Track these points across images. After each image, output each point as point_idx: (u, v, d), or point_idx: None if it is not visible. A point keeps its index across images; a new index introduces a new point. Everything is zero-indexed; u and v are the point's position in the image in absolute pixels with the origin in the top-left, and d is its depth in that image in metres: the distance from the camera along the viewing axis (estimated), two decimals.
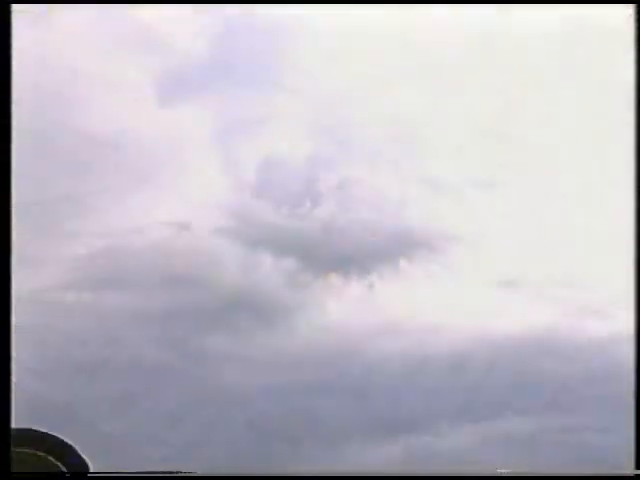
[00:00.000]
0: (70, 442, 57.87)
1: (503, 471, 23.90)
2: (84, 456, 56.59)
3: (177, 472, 33.81)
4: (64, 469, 50.88)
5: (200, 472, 31.52)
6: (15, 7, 15.69)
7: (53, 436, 56.14)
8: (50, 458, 52.51)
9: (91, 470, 52.17)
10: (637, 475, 19.19)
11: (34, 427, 57.31)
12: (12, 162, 14.29)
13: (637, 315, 19.42)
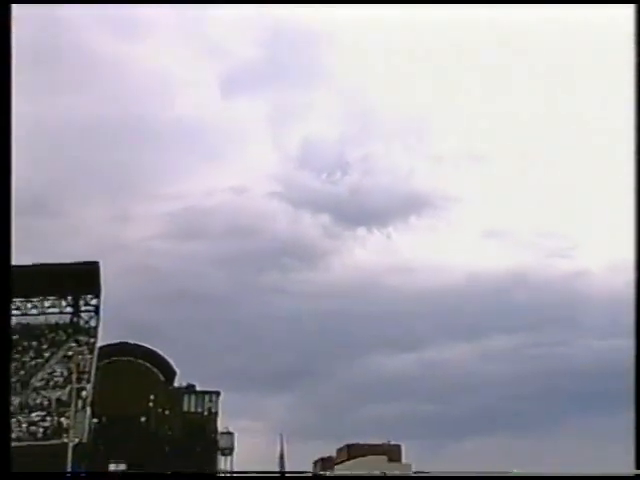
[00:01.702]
0: (159, 351, 60.63)
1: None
2: (170, 362, 59.32)
3: (177, 472, 34.21)
4: (157, 372, 56.01)
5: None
6: (15, 7, 15.08)
7: (147, 347, 59.58)
8: (147, 364, 55.64)
9: (177, 372, 66.45)
10: (637, 475, 18.80)
11: (132, 341, 60.04)
12: (11, 151, 13.59)
13: (637, 313, 18.52)
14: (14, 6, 15.33)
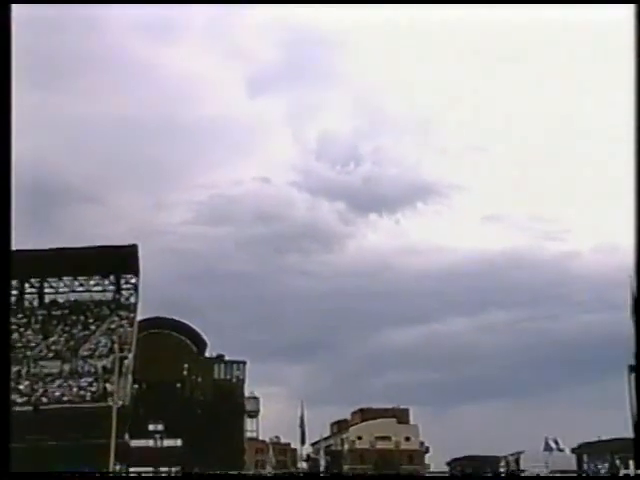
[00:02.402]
0: (192, 325, 61.04)
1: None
2: (202, 334, 59.99)
3: (177, 473, 33.79)
4: (190, 343, 57.06)
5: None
6: (15, 7, 13.41)
7: (181, 321, 60.75)
8: (181, 336, 56.89)
9: (207, 344, 68.85)
10: (637, 475, 18.14)
11: (168, 316, 61.44)
12: (11, 150, 13.09)
13: (636, 309, 17.46)
14: (14, 6, 13.25)
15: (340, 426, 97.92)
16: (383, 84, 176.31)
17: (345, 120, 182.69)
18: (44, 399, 48.33)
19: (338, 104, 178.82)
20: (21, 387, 49.09)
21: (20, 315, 56.24)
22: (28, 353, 52.22)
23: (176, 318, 72.31)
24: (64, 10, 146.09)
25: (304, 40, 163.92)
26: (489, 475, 36.18)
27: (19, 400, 48.04)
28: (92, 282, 58.42)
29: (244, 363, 76.56)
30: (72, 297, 58.11)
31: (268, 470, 60.28)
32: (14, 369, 50.27)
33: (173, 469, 65.23)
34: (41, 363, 51.20)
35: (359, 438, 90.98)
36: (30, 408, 47.39)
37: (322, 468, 68.38)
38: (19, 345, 52.83)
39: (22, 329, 54.78)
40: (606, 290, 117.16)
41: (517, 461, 60.34)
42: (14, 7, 13.33)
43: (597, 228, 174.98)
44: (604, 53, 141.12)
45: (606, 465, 47.92)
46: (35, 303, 58.06)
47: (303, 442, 60.90)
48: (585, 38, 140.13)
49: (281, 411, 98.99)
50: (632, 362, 38.40)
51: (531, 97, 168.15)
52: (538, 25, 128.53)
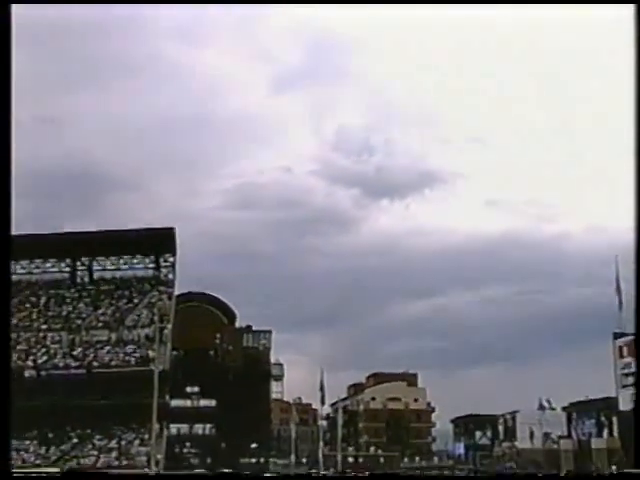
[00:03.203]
0: (223, 298, 60.61)
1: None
2: (231, 306, 59.31)
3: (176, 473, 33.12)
4: (221, 315, 57.65)
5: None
6: (15, 7, 12.19)
7: (213, 295, 61.30)
8: (213, 309, 57.78)
9: (237, 315, 69.20)
10: (637, 475, 17.73)
11: (202, 290, 61.48)
12: (11, 149, 13.05)
13: (637, 308, 17.38)
14: (14, 6, 12.22)
15: (356, 389, 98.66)
16: (393, 82, 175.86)
17: (359, 115, 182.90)
18: (95, 363, 49.13)
19: (353, 100, 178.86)
20: (75, 353, 49.96)
21: (73, 290, 57.02)
22: (80, 323, 52.95)
23: (209, 292, 73.12)
24: (107, 16, 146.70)
25: (322, 42, 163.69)
26: (489, 475, 35.68)
27: (73, 364, 49.05)
28: (135, 261, 58.88)
29: (270, 332, 77.04)
30: (118, 274, 58.63)
31: (292, 427, 61.03)
32: (69, 337, 51.25)
33: (207, 425, 66.28)
34: (92, 332, 51.89)
35: (373, 399, 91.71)
36: (83, 371, 48.34)
37: (340, 426, 69.11)
38: (73, 316, 53.70)
39: (75, 302, 55.57)
40: (594, 267, 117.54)
41: (514, 419, 60.72)
42: (14, 7, 12.34)
43: (587, 212, 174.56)
44: (601, 50, 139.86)
45: (592, 421, 48.23)
46: (86, 279, 58.62)
47: (323, 403, 61.48)
48: (585, 37, 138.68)
49: (303, 375, 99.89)
50: (616, 330, 38.77)
51: (527, 94, 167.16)
52: (538, 24, 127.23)
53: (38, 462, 45.09)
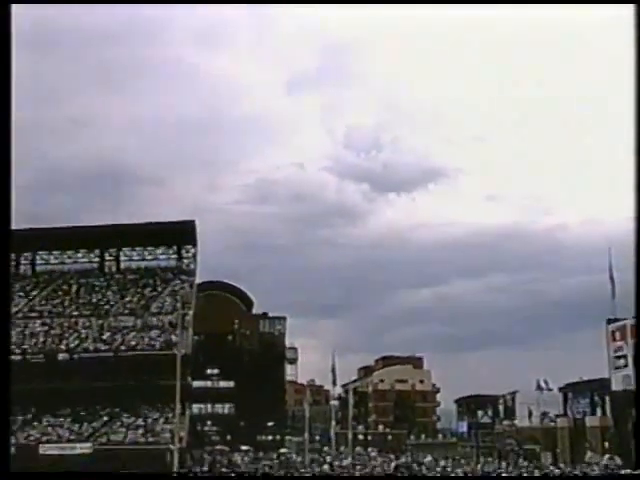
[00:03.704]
0: (241, 287, 61.64)
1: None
2: (249, 294, 60.57)
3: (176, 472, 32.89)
4: (239, 302, 58.26)
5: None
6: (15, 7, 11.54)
7: (232, 284, 61.91)
8: (232, 296, 58.25)
9: (254, 303, 70.84)
10: (637, 475, 17.04)
11: (221, 280, 61.51)
12: (11, 148, 13.02)
13: (637, 307, 16.37)
14: (14, 6, 11.61)
15: (365, 371, 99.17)
16: (400, 83, 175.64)
17: (368, 115, 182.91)
18: (122, 347, 49.50)
19: (362, 101, 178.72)
20: (104, 337, 50.42)
21: (101, 279, 57.66)
22: (108, 310, 53.52)
23: (228, 282, 73.73)
24: (130, 24, 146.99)
25: (334, 45, 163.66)
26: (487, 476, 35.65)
27: (103, 348, 49.53)
28: (159, 252, 59.40)
29: (284, 319, 77.55)
30: (143, 264, 59.20)
31: (305, 407, 61.37)
32: (99, 323, 51.74)
33: (227, 405, 66.97)
34: (119, 318, 52.32)
35: (381, 381, 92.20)
36: (112, 354, 48.85)
37: (350, 406, 69.55)
38: (101, 303, 54.23)
39: (103, 290, 56.13)
40: (589, 257, 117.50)
41: (513, 399, 60.87)
42: (14, 7, 11.88)
43: (583, 205, 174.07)
44: (600, 50, 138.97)
45: (587, 401, 48.38)
46: (113, 269, 59.22)
47: (334, 384, 61.79)
48: (584, 37, 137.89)
49: (316, 359, 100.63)
50: (609, 316, 38.82)
51: (527, 94, 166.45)
52: (538, 24, 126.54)
53: (72, 438, 45.78)
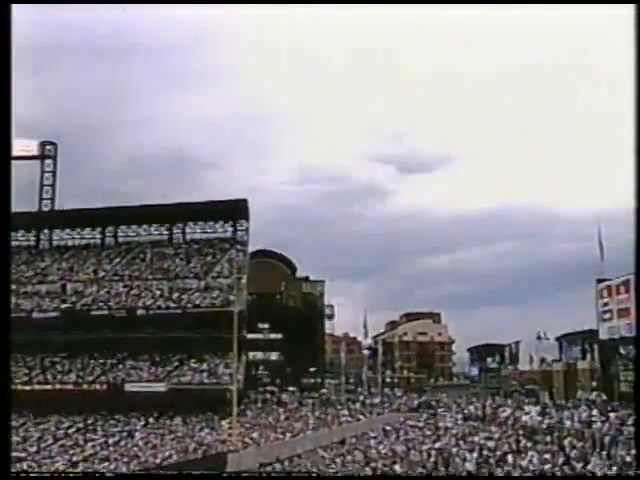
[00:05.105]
0: (287, 255, 59.98)
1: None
2: (294, 262, 59.07)
3: (176, 473, 32.50)
4: (285, 267, 58.75)
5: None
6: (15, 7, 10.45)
7: (279, 252, 62.24)
8: (279, 263, 59.21)
9: (297, 268, 70.87)
10: (637, 475, 15.44)
11: (270, 248, 60.21)
12: (11, 148, 12.18)
13: (637, 310, 14.63)
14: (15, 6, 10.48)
15: (392, 325, 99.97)
16: (410, 84, 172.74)
17: (394, 107, 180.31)
18: (189, 305, 50.77)
19: (388, 95, 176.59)
20: (173, 297, 51.77)
21: (170, 249, 58.91)
22: (177, 273, 54.77)
23: (275, 250, 74.76)
24: (186, 35, 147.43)
25: (361, 44, 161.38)
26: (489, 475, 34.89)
27: (172, 305, 50.94)
28: (217, 225, 60.21)
29: (323, 282, 78.16)
30: (204, 236, 60.15)
31: (341, 355, 62.35)
32: (169, 285, 53.06)
33: (276, 353, 68.12)
34: (185, 281, 53.49)
35: (405, 333, 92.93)
36: (180, 311, 50.22)
37: (379, 354, 70.43)
38: (171, 269, 55.48)
39: (172, 258, 57.32)
40: (580, 226, 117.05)
41: (517, 347, 61.07)
42: (14, 7, 10.70)
43: (574, 182, 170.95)
44: (599, 51, 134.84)
45: (578, 348, 48.50)
46: (180, 240, 60.33)
47: (366, 336, 62.75)
48: (584, 37, 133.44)
49: (350, 315, 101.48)
50: (598, 277, 38.75)
51: (527, 93, 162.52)
52: (538, 24, 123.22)
53: (151, 378, 47.52)
